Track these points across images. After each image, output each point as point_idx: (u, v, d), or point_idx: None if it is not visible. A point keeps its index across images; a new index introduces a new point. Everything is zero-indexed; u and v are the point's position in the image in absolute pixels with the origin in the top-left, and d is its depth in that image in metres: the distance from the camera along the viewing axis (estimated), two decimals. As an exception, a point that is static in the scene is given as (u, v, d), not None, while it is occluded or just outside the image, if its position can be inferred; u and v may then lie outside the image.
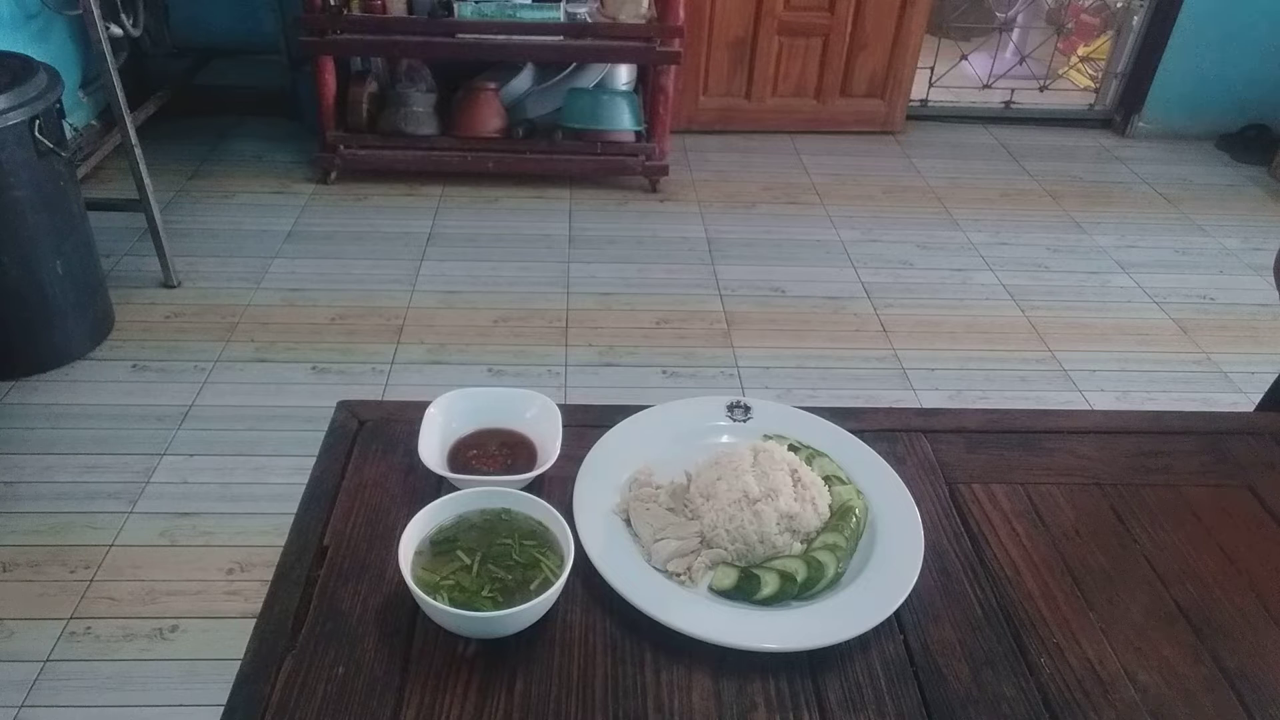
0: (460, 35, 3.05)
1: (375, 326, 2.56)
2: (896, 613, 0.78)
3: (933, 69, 4.03)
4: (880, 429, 0.99)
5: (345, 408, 0.97)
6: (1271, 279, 2.93)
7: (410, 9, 3.09)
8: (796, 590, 0.78)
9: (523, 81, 3.38)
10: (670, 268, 2.93)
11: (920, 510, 0.87)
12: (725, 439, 0.95)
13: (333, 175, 3.29)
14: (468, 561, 0.76)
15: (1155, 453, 1.00)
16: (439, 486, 0.86)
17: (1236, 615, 0.82)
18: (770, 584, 0.78)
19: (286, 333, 2.51)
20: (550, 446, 0.88)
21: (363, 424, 0.96)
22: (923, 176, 3.64)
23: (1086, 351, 2.64)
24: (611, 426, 0.94)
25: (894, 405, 2.32)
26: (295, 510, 0.85)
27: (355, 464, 0.90)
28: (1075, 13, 4.56)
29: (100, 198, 2.75)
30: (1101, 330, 2.75)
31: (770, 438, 0.92)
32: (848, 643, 0.75)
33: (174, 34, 3.47)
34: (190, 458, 2.07)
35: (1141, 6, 3.93)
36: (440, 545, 0.78)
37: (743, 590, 0.78)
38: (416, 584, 0.72)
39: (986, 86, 4.19)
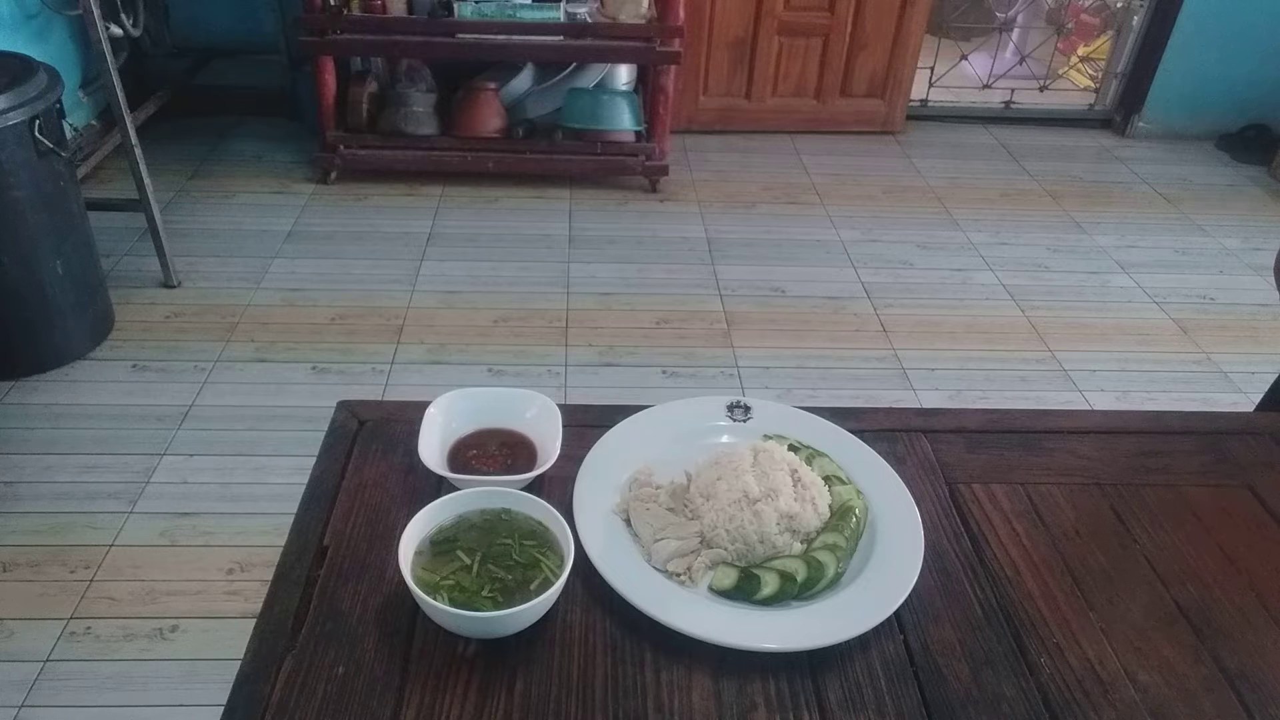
0: (460, 35, 3.05)
1: (375, 326, 2.56)
2: (896, 613, 0.78)
3: (933, 69, 4.03)
4: (880, 429, 0.99)
5: (345, 408, 0.97)
6: (1271, 279, 2.93)
7: (410, 9, 3.09)
8: (796, 590, 0.78)
9: (523, 81, 3.38)
10: (670, 268, 2.93)
11: (920, 510, 0.87)
12: (725, 439, 0.95)
13: (333, 175, 3.29)
14: (468, 561, 0.76)
15: (1155, 453, 1.00)
16: (439, 486, 0.86)
17: (1236, 615, 0.82)
18: (770, 584, 0.78)
19: (286, 333, 2.51)
20: (550, 446, 0.88)
21: (363, 424, 0.96)
22: (923, 176, 3.64)
23: (1086, 351, 2.64)
24: (611, 426, 0.94)
25: (894, 405, 2.32)
26: (295, 510, 0.85)
27: (355, 464, 0.90)
28: (1075, 13, 4.55)
29: (100, 198, 2.75)
30: (1101, 330, 2.75)
31: (770, 438, 0.92)
32: (848, 643, 0.75)
33: (174, 34, 3.48)
34: (190, 458, 2.07)
35: (1141, 6, 3.93)
36: (440, 545, 0.78)
37: (743, 590, 0.78)
38: (416, 584, 0.72)
39: (986, 86, 4.19)
